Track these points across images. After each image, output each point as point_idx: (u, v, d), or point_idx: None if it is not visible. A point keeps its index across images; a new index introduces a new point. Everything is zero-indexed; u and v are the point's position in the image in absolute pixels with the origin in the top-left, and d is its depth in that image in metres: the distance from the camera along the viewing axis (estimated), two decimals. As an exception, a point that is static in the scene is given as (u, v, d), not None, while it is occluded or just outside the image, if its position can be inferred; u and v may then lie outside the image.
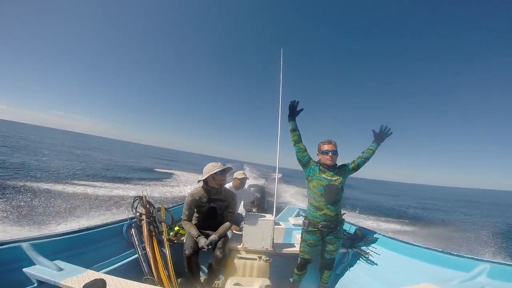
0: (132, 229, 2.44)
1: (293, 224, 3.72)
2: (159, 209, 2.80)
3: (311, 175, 2.31)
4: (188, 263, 2.24)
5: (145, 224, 2.47)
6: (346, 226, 2.95)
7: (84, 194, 8.63)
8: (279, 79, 3.40)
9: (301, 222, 2.41)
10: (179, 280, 2.31)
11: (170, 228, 2.65)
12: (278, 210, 5.06)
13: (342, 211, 2.40)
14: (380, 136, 2.43)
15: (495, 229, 11.31)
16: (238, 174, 3.61)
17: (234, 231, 3.16)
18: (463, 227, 12.20)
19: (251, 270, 2.40)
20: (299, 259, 2.44)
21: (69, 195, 8.12)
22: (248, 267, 2.40)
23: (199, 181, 2.46)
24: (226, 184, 3.15)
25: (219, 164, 2.49)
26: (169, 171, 23.00)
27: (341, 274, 2.70)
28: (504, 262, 1.64)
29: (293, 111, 2.39)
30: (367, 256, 2.57)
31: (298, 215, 4.68)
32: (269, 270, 2.44)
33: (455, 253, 1.96)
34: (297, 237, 2.70)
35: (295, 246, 2.68)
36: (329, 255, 2.37)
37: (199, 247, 2.19)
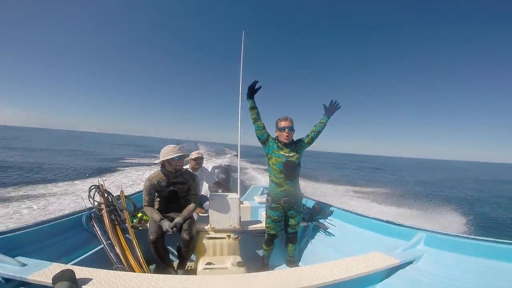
0: (92, 220, 2.30)
1: (258, 202, 3.87)
2: (118, 197, 2.66)
3: (270, 153, 2.43)
4: (155, 248, 2.21)
5: (105, 213, 2.34)
6: (304, 201, 3.16)
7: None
8: (240, 59, 3.29)
9: (265, 199, 2.53)
10: (151, 266, 2.29)
11: (134, 216, 2.56)
12: (244, 189, 5.21)
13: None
14: (330, 110, 2.64)
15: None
16: (192, 155, 3.53)
17: (199, 214, 3.17)
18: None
19: (221, 249, 2.48)
20: (266, 235, 2.60)
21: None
22: (218, 246, 2.48)
23: (154, 164, 2.40)
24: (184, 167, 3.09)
25: (177, 148, 2.42)
26: (125, 159, 21.43)
27: (304, 247, 2.94)
28: (437, 230, 1.92)
29: (252, 90, 2.44)
30: (325, 228, 2.83)
31: (262, 193, 4.87)
32: (239, 247, 2.56)
33: (397, 223, 2.24)
34: (262, 214, 2.85)
35: (262, 223, 2.82)
36: (292, 229, 2.58)
37: (164, 230, 2.17)
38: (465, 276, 1.54)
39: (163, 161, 2.36)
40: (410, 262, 1.76)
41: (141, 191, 3.35)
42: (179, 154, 2.36)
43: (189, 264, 2.53)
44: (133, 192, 3.56)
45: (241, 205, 3.30)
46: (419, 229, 2.03)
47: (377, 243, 1.93)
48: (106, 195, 2.52)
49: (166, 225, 2.17)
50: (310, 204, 3.26)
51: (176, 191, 2.44)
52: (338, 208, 3.04)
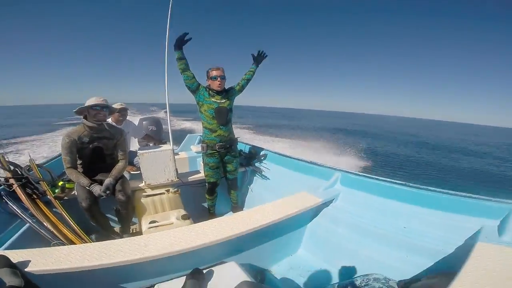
0: (4, 198, 1.91)
1: (195, 152, 3.74)
2: (29, 168, 2.22)
3: (201, 100, 2.41)
4: (91, 216, 2.05)
5: (17, 188, 1.95)
6: (241, 146, 3.30)
7: None
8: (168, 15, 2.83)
9: (201, 147, 2.53)
10: (92, 236, 2.12)
11: (54, 185, 2.21)
12: (179, 140, 4.94)
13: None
14: (258, 59, 2.70)
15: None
16: (115, 106, 3.12)
17: (131, 172, 2.96)
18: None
19: (163, 205, 2.44)
20: (206, 184, 2.66)
21: None
22: (159, 203, 2.42)
23: (74, 111, 2.05)
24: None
25: (102, 98, 2.10)
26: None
27: (245, 192, 3.15)
28: (350, 170, 2.24)
29: (181, 42, 2.26)
30: (261, 172, 3.06)
31: (199, 142, 4.74)
32: (181, 200, 2.55)
33: (318, 163, 2.56)
34: (201, 164, 2.86)
35: (201, 173, 2.82)
36: (231, 175, 2.72)
37: (96, 195, 1.99)
38: (371, 213, 1.87)
39: (81, 109, 2.03)
40: (331, 201, 2.07)
41: (55, 157, 2.86)
42: (103, 104, 2.06)
43: (132, 227, 2.45)
44: (46, 160, 2.99)
45: (177, 157, 3.13)
46: (336, 169, 2.32)
47: (303, 183, 2.19)
48: (12, 167, 2.06)
49: (97, 189, 1.98)
50: (246, 149, 3.36)
51: (101, 147, 2.15)
52: (270, 151, 3.25)
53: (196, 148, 3.87)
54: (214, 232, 1.43)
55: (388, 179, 1.97)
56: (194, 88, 2.38)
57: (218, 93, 2.42)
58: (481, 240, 1.17)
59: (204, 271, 1.37)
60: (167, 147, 2.54)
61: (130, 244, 1.29)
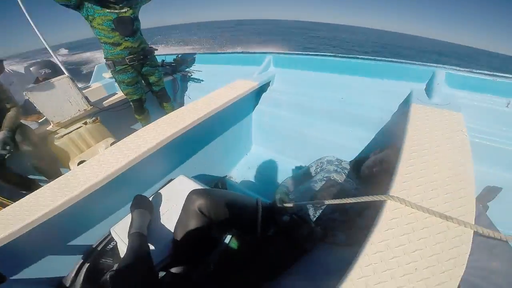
0: None
1: (109, 78, 3.25)
2: None
3: (91, 14, 1.85)
4: (5, 181, 1.69)
5: None
6: (163, 57, 2.96)
7: None
8: None
9: (106, 65, 2.12)
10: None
11: None
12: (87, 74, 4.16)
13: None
14: None
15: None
16: None
17: (39, 121, 2.39)
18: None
19: (85, 141, 2.10)
20: (131, 103, 2.34)
21: None
22: (79, 140, 2.07)
23: None
24: None
25: None
26: None
27: (181, 101, 2.97)
28: (282, 52, 2.13)
29: None
30: (191, 74, 2.84)
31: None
32: (106, 128, 2.24)
33: (250, 52, 2.39)
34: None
35: (119, 93, 2.46)
36: (156, 86, 2.41)
37: None
38: (308, 89, 1.84)
39: None
40: (268, 84, 1.99)
41: None
42: None
43: (58, 179, 2.11)
44: None
45: (89, 89, 2.74)
46: (267, 53, 2.19)
47: (237, 73, 2.04)
48: None
49: None
50: (169, 59, 3.01)
51: None
52: (197, 53, 2.98)
53: (108, 74, 3.30)
54: (141, 143, 1.19)
55: (319, 53, 1.92)
56: (76, 2, 1.75)
57: (116, 2, 1.90)
58: (414, 102, 1.20)
59: (151, 197, 1.25)
60: (61, 76, 2.01)
61: (62, 184, 1.03)
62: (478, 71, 1.35)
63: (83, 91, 2.22)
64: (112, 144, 1.94)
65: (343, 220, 1.17)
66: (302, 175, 1.46)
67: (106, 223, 1.23)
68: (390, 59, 1.59)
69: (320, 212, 1.17)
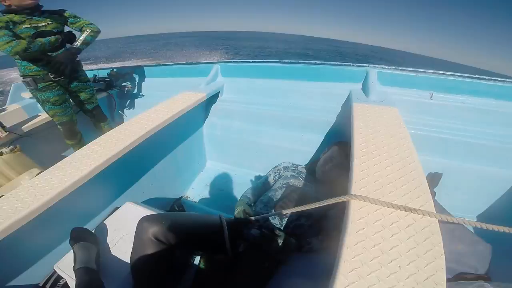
0: None
1: (30, 97, 2.77)
2: None
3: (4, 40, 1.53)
4: None
5: None
6: (94, 72, 2.65)
7: None
8: None
9: (25, 83, 1.80)
10: None
11: None
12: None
13: None
14: None
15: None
16: None
17: None
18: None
19: (2, 174, 1.70)
20: (59, 127, 2.00)
21: None
22: (-6, 175, 1.68)
23: None
24: None
25: None
26: None
27: (119, 119, 2.67)
28: (229, 60, 2.07)
29: None
30: (130, 89, 2.60)
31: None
32: (28, 158, 1.86)
33: (194, 62, 2.30)
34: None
35: (44, 115, 2.14)
36: (89, 104, 2.11)
37: None
38: (258, 97, 1.83)
39: None
40: (217, 95, 1.92)
41: None
42: None
43: None
44: None
45: (4, 112, 2.29)
46: (214, 63, 2.13)
47: (182, 86, 1.93)
48: None
49: None
50: (103, 73, 2.70)
51: None
52: (135, 66, 2.71)
53: (28, 93, 2.83)
54: (80, 167, 1.03)
55: (265, 60, 1.94)
56: None
57: (31, 12, 1.62)
58: (355, 101, 1.28)
59: (94, 230, 1.08)
60: None
61: None
62: (402, 68, 1.50)
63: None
64: (37, 175, 1.62)
65: (309, 224, 1.16)
66: (262, 185, 1.43)
67: (48, 260, 1.05)
68: (328, 62, 1.67)
69: (286, 220, 1.14)
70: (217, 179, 1.91)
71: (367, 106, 1.21)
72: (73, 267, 0.87)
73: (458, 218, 0.59)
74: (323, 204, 0.71)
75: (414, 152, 0.86)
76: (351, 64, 1.61)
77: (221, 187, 1.85)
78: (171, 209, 1.60)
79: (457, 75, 1.41)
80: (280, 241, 1.04)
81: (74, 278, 0.90)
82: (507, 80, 1.36)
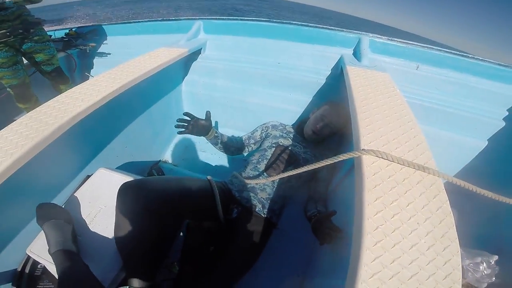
0: None
1: None
2: None
3: None
4: None
5: None
6: (50, 33, 2.29)
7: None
8: None
9: None
10: None
11: None
12: None
13: None
14: None
15: None
16: None
17: None
18: None
19: None
20: (8, 90, 1.77)
21: None
22: None
23: None
24: None
25: None
26: None
27: (80, 80, 2.34)
28: (212, 17, 1.92)
29: None
30: (94, 48, 2.32)
31: None
32: None
33: (172, 18, 2.09)
34: None
35: None
36: (47, 66, 1.87)
37: None
38: (244, 55, 1.73)
39: None
40: (198, 52, 1.78)
41: None
42: None
43: None
44: None
45: None
46: (195, 19, 1.96)
47: (158, 43, 1.74)
48: None
49: None
50: (60, 33, 2.37)
51: None
52: (101, 24, 2.40)
53: None
54: (40, 125, 0.84)
55: (254, 18, 1.83)
56: None
57: None
58: (348, 64, 1.26)
59: (64, 204, 0.95)
60: None
61: None
62: (394, 38, 1.52)
63: None
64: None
65: (299, 185, 1.16)
66: (247, 138, 1.43)
67: (20, 242, 0.90)
68: (321, 26, 1.63)
69: (277, 181, 1.11)
70: (198, 140, 1.80)
71: (360, 69, 1.19)
72: (48, 250, 0.76)
73: (460, 180, 0.59)
74: (332, 162, 0.67)
75: (411, 112, 0.86)
76: (344, 29, 1.59)
77: (203, 148, 1.76)
78: (149, 174, 1.49)
79: (443, 51, 1.48)
80: (277, 207, 1.03)
81: (49, 261, 0.78)
82: (487, 60, 1.45)
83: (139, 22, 2.21)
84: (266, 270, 1.08)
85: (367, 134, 0.71)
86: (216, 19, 1.90)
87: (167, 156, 1.74)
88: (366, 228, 0.48)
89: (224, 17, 1.88)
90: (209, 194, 0.94)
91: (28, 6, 1.77)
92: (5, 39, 1.58)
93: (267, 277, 1.09)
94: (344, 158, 0.64)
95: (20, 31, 1.65)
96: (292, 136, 1.29)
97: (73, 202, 0.96)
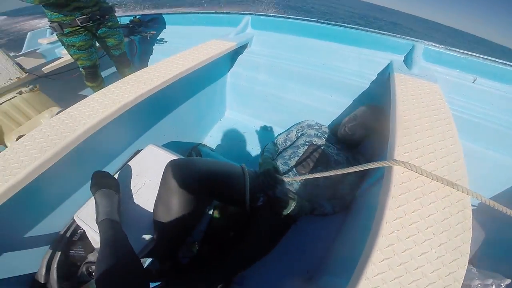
0: None
1: (49, 43, 2.71)
2: None
3: None
4: None
5: None
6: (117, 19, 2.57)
7: None
8: None
9: (52, 28, 1.76)
10: None
11: None
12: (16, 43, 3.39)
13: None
14: None
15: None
16: None
17: None
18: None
19: (22, 112, 1.75)
20: (81, 70, 2.00)
21: None
22: (15, 111, 1.71)
23: None
24: None
25: None
26: None
27: (143, 65, 2.61)
28: (260, 13, 1.98)
29: None
30: (155, 37, 2.54)
31: (53, 33, 3.40)
32: (48, 97, 1.89)
33: (223, 12, 2.18)
34: (62, 52, 2.11)
35: (65, 58, 2.10)
36: (117, 50, 2.09)
37: None
38: (288, 53, 1.77)
39: None
40: (245, 46, 1.86)
41: None
42: None
43: None
44: None
45: (23, 56, 2.26)
46: (245, 14, 2.03)
47: (209, 35, 1.87)
48: None
49: None
50: (125, 20, 2.62)
51: None
52: (160, 14, 2.61)
53: (48, 39, 2.78)
54: (100, 108, 0.98)
55: (301, 17, 1.83)
56: None
57: None
58: (396, 71, 1.22)
59: (117, 173, 1.07)
60: None
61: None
62: (452, 48, 1.41)
63: (16, 59, 1.82)
64: (58, 113, 1.64)
65: (326, 185, 1.17)
66: (283, 140, 1.44)
67: (68, 207, 1.03)
68: (371, 30, 1.58)
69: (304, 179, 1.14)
70: (234, 129, 1.91)
71: (409, 77, 1.16)
72: (96, 218, 0.84)
73: (490, 200, 0.58)
74: (362, 169, 0.69)
75: (454, 128, 0.84)
76: (397, 35, 1.52)
77: (238, 137, 1.85)
78: (189, 155, 1.62)
79: (509, 65, 1.34)
80: (295, 205, 1.05)
81: (93, 228, 0.87)
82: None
83: (194, 13, 2.38)
84: (276, 262, 1.11)
85: (403, 145, 0.73)
86: (264, 15, 1.95)
87: (206, 140, 1.86)
88: (383, 231, 0.52)
89: (271, 14, 1.93)
90: (241, 181, 1.01)
91: None
92: (85, 24, 1.77)
93: (276, 269, 1.13)
94: (375, 166, 0.67)
95: (98, 17, 1.83)
96: (326, 137, 1.30)
97: (123, 173, 1.07)
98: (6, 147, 1.68)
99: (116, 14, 2.04)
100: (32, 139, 0.86)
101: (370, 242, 0.52)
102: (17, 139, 1.50)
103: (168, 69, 1.24)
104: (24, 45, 3.26)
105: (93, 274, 1.01)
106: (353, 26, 1.62)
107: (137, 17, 2.62)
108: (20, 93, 1.74)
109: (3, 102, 1.68)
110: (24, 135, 1.50)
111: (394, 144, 0.73)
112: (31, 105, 1.79)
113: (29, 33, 3.38)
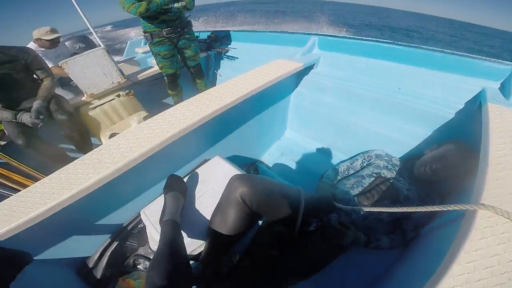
0: None
1: (143, 53, 3.19)
2: None
3: None
4: (37, 151, 1.71)
5: None
6: (196, 34, 2.86)
7: None
8: None
9: (144, 37, 2.13)
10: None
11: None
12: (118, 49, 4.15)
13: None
14: None
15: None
16: (42, 33, 2.43)
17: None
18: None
19: (117, 113, 2.10)
20: (165, 78, 2.31)
21: None
22: (112, 112, 2.07)
23: None
24: None
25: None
26: None
27: (214, 78, 2.92)
28: (327, 34, 1.96)
29: None
30: (226, 52, 2.76)
31: (146, 43, 4.03)
32: (139, 101, 2.22)
33: (290, 31, 2.25)
34: (153, 62, 2.41)
35: (154, 67, 2.42)
36: (192, 61, 2.36)
37: (30, 125, 1.63)
38: (358, 75, 1.68)
39: None
40: (311, 67, 1.85)
41: None
42: None
43: (90, 146, 2.11)
44: None
45: (123, 63, 2.74)
46: (311, 34, 2.04)
47: (276, 53, 1.93)
48: None
49: (27, 117, 1.61)
50: (203, 35, 2.93)
51: (7, 73, 1.63)
52: (233, 30, 2.84)
53: (142, 49, 3.30)
54: (181, 119, 1.12)
55: (373, 38, 1.71)
56: None
57: None
58: (490, 101, 1.05)
59: (185, 178, 1.18)
60: (96, 49, 1.99)
61: (86, 164, 0.96)
62: None
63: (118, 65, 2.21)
64: (145, 118, 1.91)
65: (389, 221, 1.08)
66: (346, 168, 1.35)
67: (136, 203, 1.16)
68: (460, 53, 1.39)
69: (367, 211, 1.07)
70: (293, 150, 1.88)
71: (506, 108, 0.99)
72: (161, 217, 0.91)
73: None
74: (440, 209, 0.63)
75: None
76: (492, 59, 1.31)
77: (296, 158, 1.81)
78: (247, 170, 1.67)
79: None
80: (350, 236, 0.99)
81: (154, 225, 0.97)
82: None
83: (262, 32, 2.52)
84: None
85: (493, 189, 0.64)
86: (331, 36, 1.91)
87: (264, 157, 1.88)
88: (452, 272, 0.52)
89: (339, 35, 1.88)
90: (295, 204, 0.99)
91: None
92: (170, 35, 2.07)
93: None
94: (457, 208, 0.60)
95: (179, 29, 2.11)
96: (397, 170, 1.18)
97: (191, 179, 1.18)
98: (100, 140, 2.03)
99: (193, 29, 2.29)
100: (124, 139, 1.03)
101: (434, 281, 0.51)
102: (110, 136, 1.81)
103: (239, 86, 1.34)
104: (124, 52, 3.93)
105: (137, 266, 1.12)
106: (435, 48, 1.46)
107: (213, 32, 2.90)
108: (118, 96, 2.11)
109: (105, 103, 2.05)
110: (116, 133, 1.81)
111: (483, 186, 0.65)
112: (125, 108, 2.14)
113: (128, 41, 4.06)
